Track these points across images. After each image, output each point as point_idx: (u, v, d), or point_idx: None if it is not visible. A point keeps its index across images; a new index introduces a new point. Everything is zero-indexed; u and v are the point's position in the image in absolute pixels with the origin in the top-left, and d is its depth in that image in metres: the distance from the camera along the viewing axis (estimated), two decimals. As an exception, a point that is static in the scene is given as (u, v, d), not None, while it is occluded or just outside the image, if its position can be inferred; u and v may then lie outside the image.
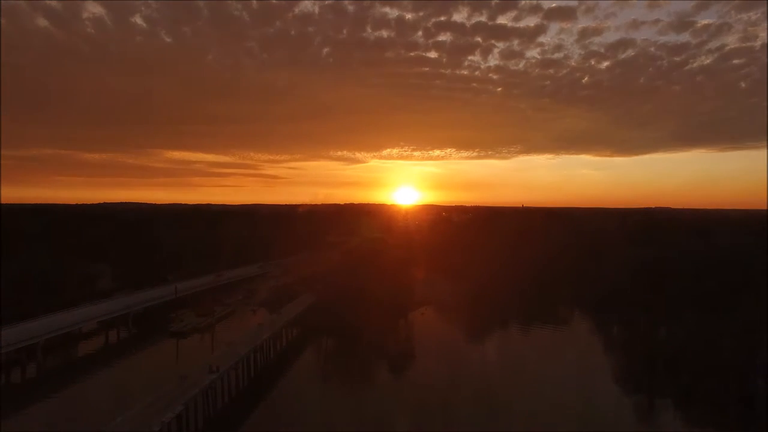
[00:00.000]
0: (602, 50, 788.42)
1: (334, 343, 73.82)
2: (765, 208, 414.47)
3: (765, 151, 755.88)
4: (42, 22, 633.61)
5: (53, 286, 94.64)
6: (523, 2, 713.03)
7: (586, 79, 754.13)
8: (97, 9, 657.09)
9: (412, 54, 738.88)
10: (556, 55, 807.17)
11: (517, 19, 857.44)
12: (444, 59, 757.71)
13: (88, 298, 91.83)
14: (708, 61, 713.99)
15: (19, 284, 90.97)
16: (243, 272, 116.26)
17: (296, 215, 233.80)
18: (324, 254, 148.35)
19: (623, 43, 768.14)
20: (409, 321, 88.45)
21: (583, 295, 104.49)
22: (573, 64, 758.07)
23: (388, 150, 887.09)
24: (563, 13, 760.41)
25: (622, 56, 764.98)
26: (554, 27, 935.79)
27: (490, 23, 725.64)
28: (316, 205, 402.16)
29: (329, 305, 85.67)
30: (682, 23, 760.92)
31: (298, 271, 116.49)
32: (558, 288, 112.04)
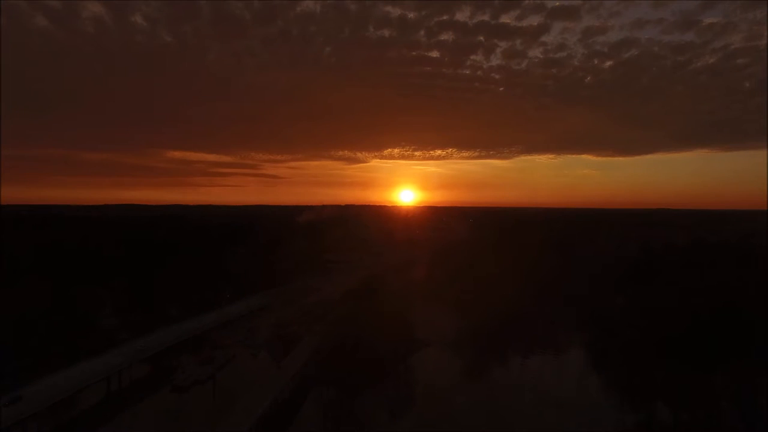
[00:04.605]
0: (605, 50, 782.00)
1: (338, 402, 74.05)
2: (766, 208, 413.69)
3: (766, 151, 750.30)
4: (42, 21, 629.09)
5: (55, 326, 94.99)
6: (527, 1, 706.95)
7: (588, 78, 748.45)
8: (97, 8, 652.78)
9: (414, 53, 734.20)
10: (559, 55, 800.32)
11: (520, 18, 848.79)
12: (446, 59, 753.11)
13: (90, 342, 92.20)
14: (712, 60, 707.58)
15: (21, 327, 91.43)
16: (243, 307, 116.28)
17: (297, 227, 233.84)
18: (325, 278, 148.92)
19: (627, 43, 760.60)
20: (411, 368, 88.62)
21: (587, 341, 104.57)
22: (576, 63, 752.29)
23: (389, 150, 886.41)
24: (567, 12, 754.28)
25: (626, 55, 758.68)
26: (557, 26, 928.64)
27: (492, 22, 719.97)
28: (317, 208, 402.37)
29: (331, 352, 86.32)
30: (687, 22, 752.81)
31: (299, 303, 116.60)
32: (562, 327, 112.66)
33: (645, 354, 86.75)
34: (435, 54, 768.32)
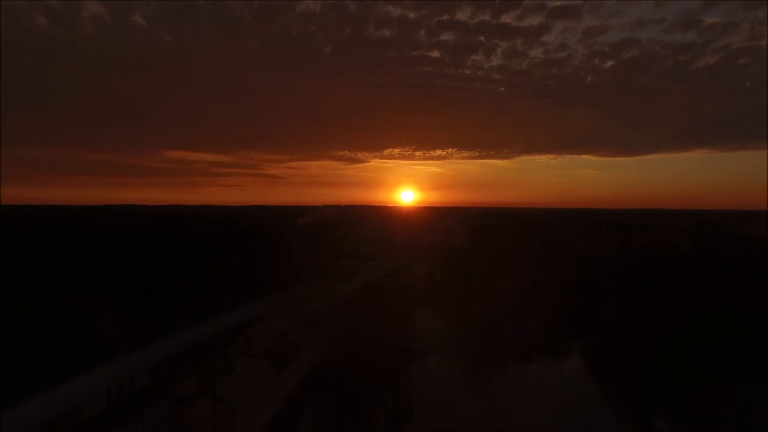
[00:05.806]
0: (606, 49, 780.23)
1: (339, 411, 73.78)
2: (766, 209, 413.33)
3: (766, 151, 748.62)
4: (42, 21, 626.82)
5: (55, 340, 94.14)
6: (527, 1, 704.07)
7: (589, 78, 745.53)
8: (97, 8, 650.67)
9: (414, 53, 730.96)
10: (560, 55, 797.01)
11: (520, 18, 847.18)
12: (446, 59, 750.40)
13: (88, 353, 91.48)
14: (713, 60, 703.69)
15: (21, 338, 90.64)
16: (243, 315, 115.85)
17: (297, 229, 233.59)
18: (325, 283, 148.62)
19: (628, 42, 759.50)
20: (411, 375, 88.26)
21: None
22: (576, 63, 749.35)
23: (389, 150, 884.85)
24: (567, 12, 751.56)
25: (627, 55, 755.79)
26: (558, 26, 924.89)
27: (493, 22, 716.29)
28: (318, 208, 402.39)
29: (332, 361, 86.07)
30: (689, 22, 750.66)
31: (299, 310, 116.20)
32: (561, 331, 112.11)
33: (645, 356, 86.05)
34: (435, 54, 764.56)
